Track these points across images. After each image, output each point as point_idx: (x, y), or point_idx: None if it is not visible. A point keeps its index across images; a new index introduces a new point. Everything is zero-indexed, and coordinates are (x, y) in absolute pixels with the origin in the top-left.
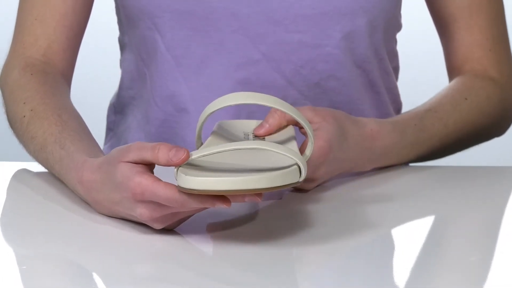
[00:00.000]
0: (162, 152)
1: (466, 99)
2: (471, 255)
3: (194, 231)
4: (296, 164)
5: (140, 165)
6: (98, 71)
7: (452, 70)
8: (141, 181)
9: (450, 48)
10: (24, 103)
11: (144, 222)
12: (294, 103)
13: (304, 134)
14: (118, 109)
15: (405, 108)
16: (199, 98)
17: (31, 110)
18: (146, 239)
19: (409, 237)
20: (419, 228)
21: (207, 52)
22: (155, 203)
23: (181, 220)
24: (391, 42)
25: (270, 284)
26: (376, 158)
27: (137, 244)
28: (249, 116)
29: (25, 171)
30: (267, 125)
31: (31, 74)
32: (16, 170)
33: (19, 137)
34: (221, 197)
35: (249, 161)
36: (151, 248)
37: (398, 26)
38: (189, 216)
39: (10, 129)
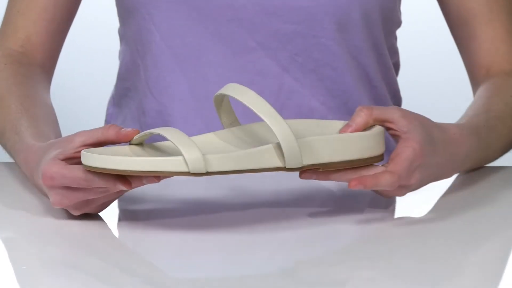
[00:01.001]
0: (112, 128)
1: (511, 96)
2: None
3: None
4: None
5: (62, 154)
6: (99, 66)
7: (479, 70)
8: (51, 166)
9: (472, 47)
10: None
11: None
12: (291, 91)
13: (394, 136)
14: (116, 101)
15: (404, 103)
16: (195, 88)
17: None
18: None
19: (415, 236)
20: (425, 227)
21: (202, 41)
22: (64, 190)
23: (102, 205)
24: (391, 38)
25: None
26: (459, 164)
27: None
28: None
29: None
30: (354, 125)
31: (5, 64)
32: None
33: None
34: (123, 178)
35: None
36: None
37: (397, 22)
38: (109, 202)
39: None
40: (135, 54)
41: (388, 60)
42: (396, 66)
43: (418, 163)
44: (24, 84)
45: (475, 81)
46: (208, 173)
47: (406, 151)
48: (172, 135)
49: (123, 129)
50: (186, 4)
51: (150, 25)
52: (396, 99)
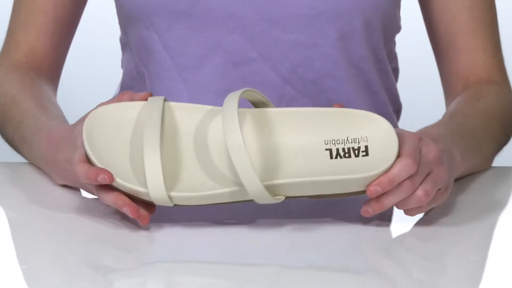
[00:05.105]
0: (126, 95)
1: (479, 100)
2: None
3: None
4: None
5: None
6: (99, 70)
7: (456, 80)
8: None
9: (451, 56)
10: (6, 94)
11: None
12: (291, 101)
13: None
14: None
15: (405, 109)
16: (196, 98)
17: (12, 97)
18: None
19: (411, 235)
20: (419, 226)
21: (204, 51)
22: None
23: None
24: (390, 43)
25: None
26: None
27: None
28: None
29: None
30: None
31: (10, 73)
32: None
33: (0, 125)
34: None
35: None
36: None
37: (397, 28)
38: None
39: None
40: (138, 63)
41: (387, 66)
42: (395, 72)
43: (421, 144)
44: (33, 87)
45: (451, 91)
46: (176, 205)
47: (404, 139)
48: (147, 166)
49: (135, 95)
50: (188, 14)
51: (152, 35)
52: (396, 105)
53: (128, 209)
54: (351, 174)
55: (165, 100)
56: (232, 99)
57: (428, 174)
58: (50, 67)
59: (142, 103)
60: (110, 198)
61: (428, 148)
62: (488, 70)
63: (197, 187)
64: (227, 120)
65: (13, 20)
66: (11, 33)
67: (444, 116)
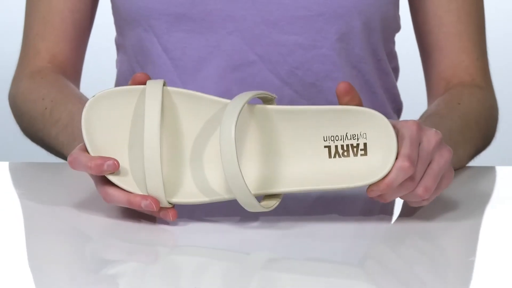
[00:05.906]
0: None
1: (459, 103)
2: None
3: None
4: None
5: None
6: (94, 71)
7: (439, 81)
8: None
9: (435, 57)
10: (43, 99)
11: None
12: (290, 102)
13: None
14: None
15: (406, 108)
16: None
17: (52, 101)
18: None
19: (408, 236)
20: (416, 227)
21: (203, 54)
22: None
23: None
24: (390, 43)
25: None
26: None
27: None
28: None
29: None
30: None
31: (41, 78)
32: None
33: (39, 132)
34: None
35: None
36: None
37: (396, 28)
38: None
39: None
40: (134, 65)
41: (387, 65)
42: (395, 71)
43: (421, 134)
44: (69, 86)
45: (433, 93)
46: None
47: (402, 133)
48: (148, 176)
49: (132, 81)
50: (187, 16)
51: (151, 37)
52: (396, 104)
53: (152, 202)
54: (348, 183)
55: (164, 84)
56: (235, 107)
57: (429, 164)
58: (72, 70)
59: (140, 89)
60: (121, 195)
61: (428, 137)
62: (471, 73)
63: (195, 194)
64: (225, 130)
65: (28, 29)
66: (29, 42)
67: (420, 117)
